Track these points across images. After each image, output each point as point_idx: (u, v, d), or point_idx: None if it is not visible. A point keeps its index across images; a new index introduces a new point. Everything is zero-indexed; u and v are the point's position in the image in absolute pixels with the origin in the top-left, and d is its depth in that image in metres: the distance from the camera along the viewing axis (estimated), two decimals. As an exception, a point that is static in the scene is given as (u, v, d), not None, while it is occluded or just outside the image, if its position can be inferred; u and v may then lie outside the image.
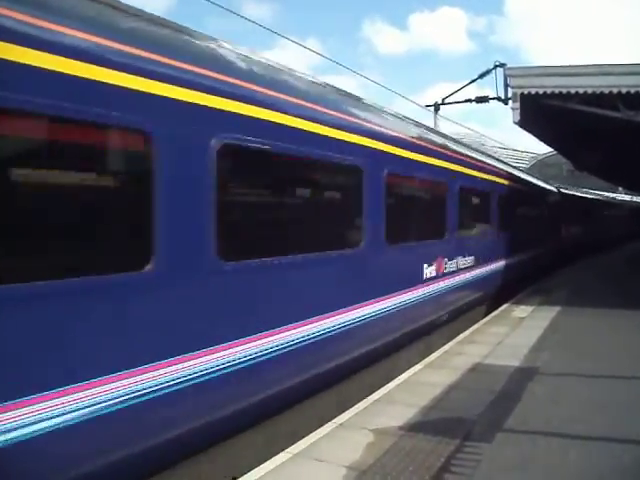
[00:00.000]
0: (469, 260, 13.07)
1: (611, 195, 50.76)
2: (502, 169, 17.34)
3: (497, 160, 18.13)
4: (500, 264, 16.23)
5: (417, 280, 10.06)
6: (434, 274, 10.76)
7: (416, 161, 9.86)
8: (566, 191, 30.20)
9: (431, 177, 10.92)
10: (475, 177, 13.72)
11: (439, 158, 11.05)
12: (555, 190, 27.34)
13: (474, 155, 14.56)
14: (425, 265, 10.35)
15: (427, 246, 10.77)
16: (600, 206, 41.13)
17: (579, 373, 8.83)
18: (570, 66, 15.59)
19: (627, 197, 62.35)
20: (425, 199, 11.36)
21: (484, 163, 15.09)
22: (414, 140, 10.04)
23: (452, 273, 11.84)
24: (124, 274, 4.36)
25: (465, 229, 13.13)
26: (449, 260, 11.62)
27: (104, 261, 4.32)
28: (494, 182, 15.61)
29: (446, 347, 10.96)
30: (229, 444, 5.93)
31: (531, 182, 22.59)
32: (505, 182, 16.93)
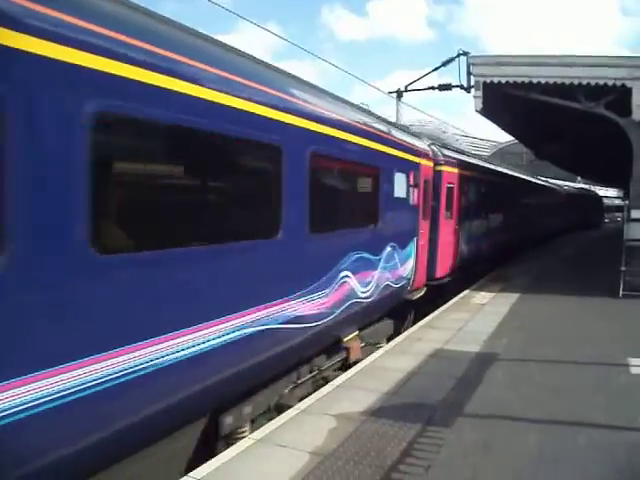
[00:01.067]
0: None
1: (546, 180, 38.64)
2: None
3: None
4: None
5: None
6: None
7: None
8: (464, 158, 17.73)
9: None
10: None
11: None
12: (437, 153, 14.48)
13: None
14: None
15: None
16: (527, 190, 28.59)
17: (537, 359, 9.01)
18: (532, 56, 15.81)
19: (569, 183, 52.25)
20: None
21: None
22: None
23: None
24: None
25: None
26: None
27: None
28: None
29: (407, 333, 11.06)
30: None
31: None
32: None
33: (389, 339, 11.19)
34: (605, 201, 73.44)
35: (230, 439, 6.44)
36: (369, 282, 9.65)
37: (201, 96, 5.36)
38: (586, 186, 64.37)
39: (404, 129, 13.76)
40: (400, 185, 11.18)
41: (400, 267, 11.26)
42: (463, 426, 6.33)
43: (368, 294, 9.61)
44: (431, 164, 13.55)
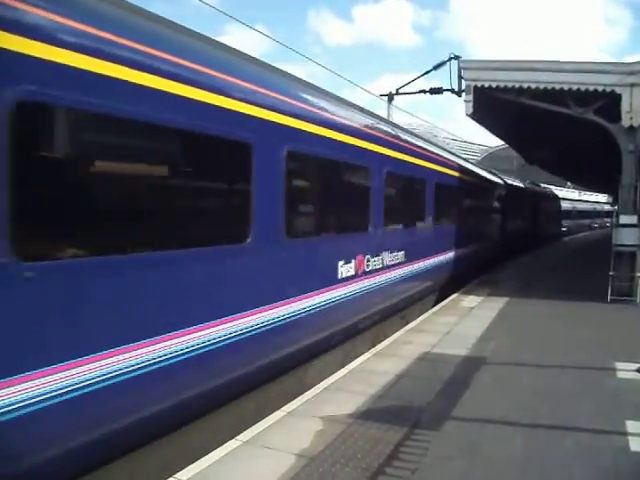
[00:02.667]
0: None
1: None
2: None
3: None
4: None
5: None
6: None
7: None
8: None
9: None
10: None
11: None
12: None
13: None
14: None
15: None
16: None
17: (524, 362, 9.02)
18: (523, 61, 15.88)
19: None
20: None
21: None
22: None
23: None
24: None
25: None
26: None
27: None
28: None
29: (395, 336, 11.04)
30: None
31: None
32: None
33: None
34: (587, 206, 71.75)
35: None
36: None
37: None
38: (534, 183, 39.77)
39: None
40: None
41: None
42: (450, 429, 6.33)
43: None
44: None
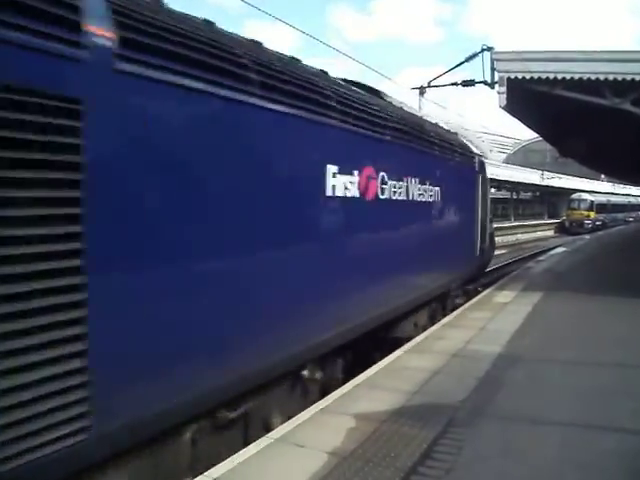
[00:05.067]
0: None
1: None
2: None
3: None
4: None
5: None
6: None
7: None
8: None
9: None
10: None
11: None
12: None
13: None
14: None
15: None
16: None
17: (560, 360, 8.85)
18: (558, 51, 15.54)
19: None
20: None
21: None
22: None
23: None
24: None
25: None
26: None
27: None
28: None
29: (428, 332, 10.94)
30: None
31: None
32: None
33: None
34: (622, 199, 69.65)
35: None
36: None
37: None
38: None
39: None
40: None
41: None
42: (484, 428, 6.22)
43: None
44: None
